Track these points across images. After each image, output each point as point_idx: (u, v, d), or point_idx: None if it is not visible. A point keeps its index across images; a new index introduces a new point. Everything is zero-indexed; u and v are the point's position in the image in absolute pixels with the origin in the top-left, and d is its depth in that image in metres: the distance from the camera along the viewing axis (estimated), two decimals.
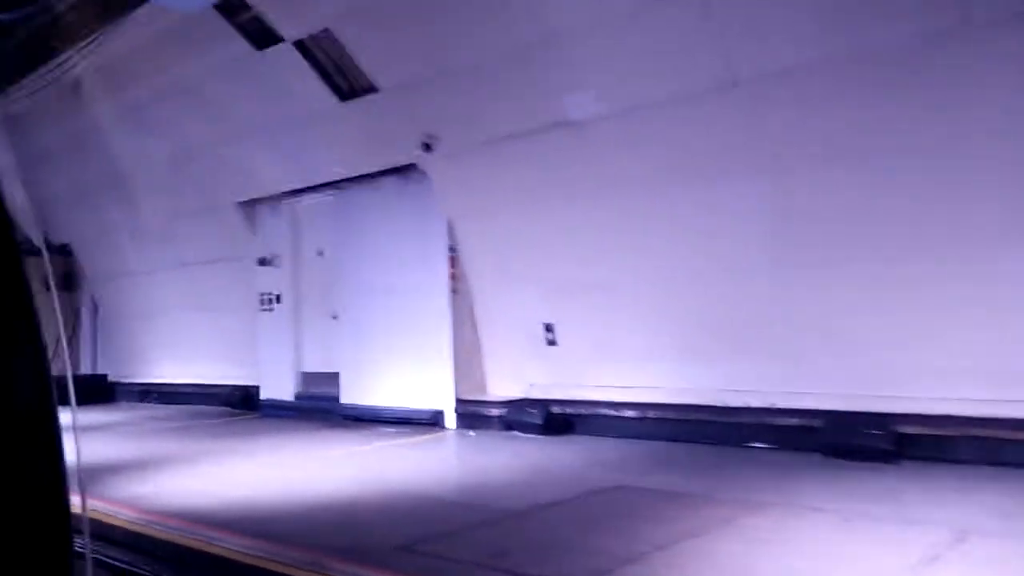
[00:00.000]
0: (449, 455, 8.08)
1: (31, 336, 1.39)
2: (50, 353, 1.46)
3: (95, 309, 17.30)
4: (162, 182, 12.17)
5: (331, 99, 8.98)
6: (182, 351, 13.48)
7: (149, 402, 14.02)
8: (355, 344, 10.07)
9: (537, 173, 8.21)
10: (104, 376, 15.24)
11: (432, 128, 8.55)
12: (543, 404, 8.24)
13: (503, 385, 9.18)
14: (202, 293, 12.81)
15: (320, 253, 10.81)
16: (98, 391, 14.84)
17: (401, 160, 9.16)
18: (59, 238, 15.89)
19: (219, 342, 12.52)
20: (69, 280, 17.98)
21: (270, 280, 11.28)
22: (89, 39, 8.88)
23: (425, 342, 9.27)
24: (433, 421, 9.06)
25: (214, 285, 12.42)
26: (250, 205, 11.48)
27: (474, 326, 9.28)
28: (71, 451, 1.64)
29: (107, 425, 10.93)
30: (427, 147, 8.58)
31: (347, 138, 9.42)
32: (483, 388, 9.30)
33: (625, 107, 7.28)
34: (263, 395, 11.33)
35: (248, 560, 4.25)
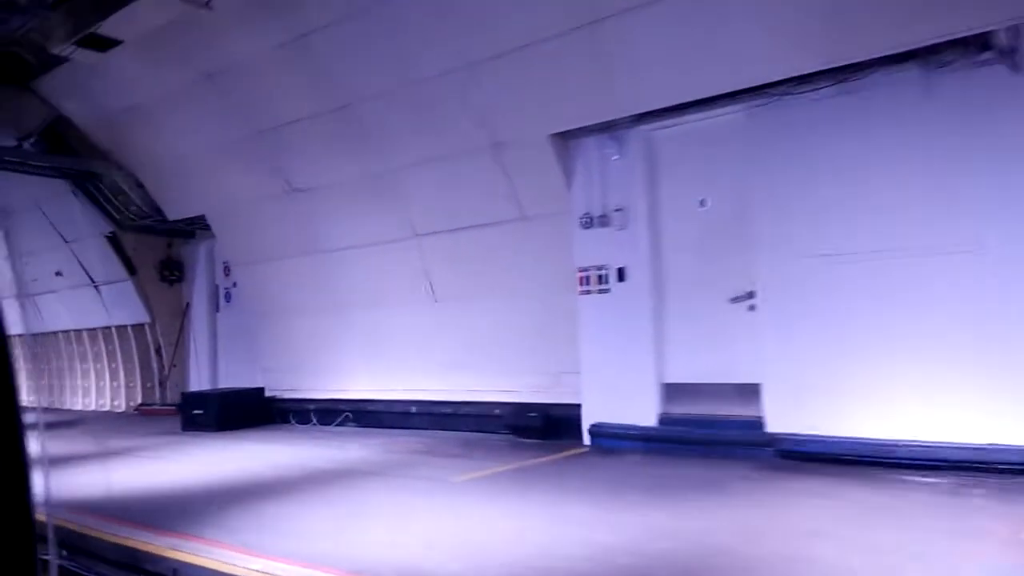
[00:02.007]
0: None
1: None
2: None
3: (218, 304, 13.66)
4: (404, 114, 8.48)
5: None
6: (399, 355, 9.75)
7: (340, 425, 10.31)
8: (793, 341, 6.42)
9: None
10: (260, 390, 11.47)
11: None
12: None
13: None
14: (443, 273, 9.10)
15: (703, 203, 7.14)
16: (254, 411, 11.11)
17: (971, 26, 5.47)
18: (187, 209, 12.11)
19: (478, 340, 8.80)
20: (173, 269, 14.39)
21: (601, 248, 7.57)
22: None
23: (972, 333, 5.66)
24: (1020, 466, 5.43)
25: (474, 260, 8.72)
26: (565, 138, 7.79)
27: None
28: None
29: (361, 470, 7.18)
30: None
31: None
32: None
33: None
34: (591, 418, 7.60)
35: None
